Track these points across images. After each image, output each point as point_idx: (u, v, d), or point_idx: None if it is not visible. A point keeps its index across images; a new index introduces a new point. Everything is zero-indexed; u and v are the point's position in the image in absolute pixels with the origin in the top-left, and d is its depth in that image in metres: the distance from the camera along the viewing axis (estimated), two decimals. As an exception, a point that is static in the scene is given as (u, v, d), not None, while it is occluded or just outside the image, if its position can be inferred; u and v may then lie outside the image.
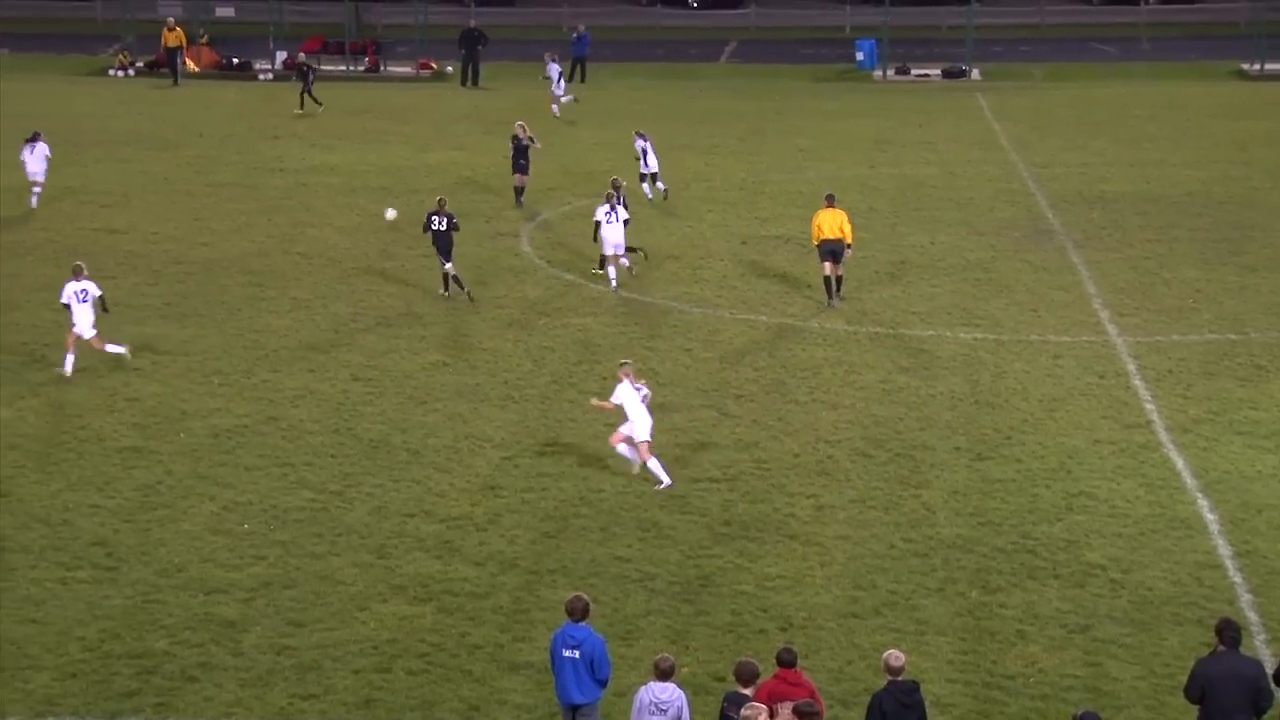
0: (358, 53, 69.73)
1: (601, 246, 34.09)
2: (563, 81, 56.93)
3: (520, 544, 22.12)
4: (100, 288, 28.72)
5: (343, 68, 68.57)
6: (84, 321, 28.17)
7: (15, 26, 79.58)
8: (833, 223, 32.61)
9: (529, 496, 23.63)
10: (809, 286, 34.11)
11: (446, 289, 33.27)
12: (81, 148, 47.33)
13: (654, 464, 23.97)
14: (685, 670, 18.12)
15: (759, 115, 56.50)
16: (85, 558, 21.56)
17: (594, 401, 24.97)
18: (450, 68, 66.94)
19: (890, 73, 66.72)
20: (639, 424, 23.90)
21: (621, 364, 24.74)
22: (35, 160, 40.70)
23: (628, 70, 68.23)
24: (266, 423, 26.40)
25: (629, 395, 23.90)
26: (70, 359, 28.22)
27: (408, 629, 19.80)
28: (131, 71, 67.02)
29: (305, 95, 56.08)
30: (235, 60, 67.86)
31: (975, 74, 66.42)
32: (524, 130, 41.25)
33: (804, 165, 47.32)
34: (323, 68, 68.61)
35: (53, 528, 22.43)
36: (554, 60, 57.68)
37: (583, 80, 64.88)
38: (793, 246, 37.20)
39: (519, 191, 41.28)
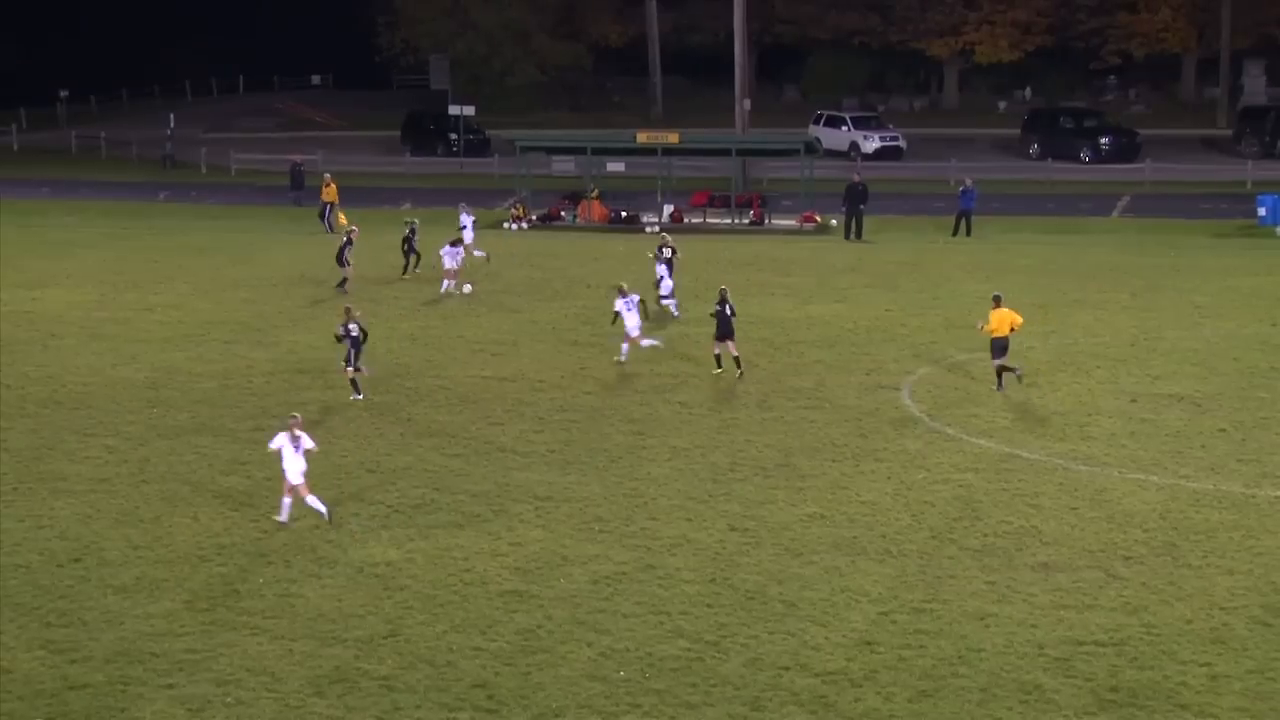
0: (743, 206, 70.91)
1: (626, 334, 40.67)
2: (471, 232, 56.74)
3: (896, 702, 21.58)
4: None
5: (728, 220, 69.76)
6: None
7: (420, 182, 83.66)
8: (1005, 320, 37.07)
9: (906, 654, 23.09)
10: (1202, 447, 32.88)
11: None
12: (475, 298, 48.96)
13: (288, 501, 28.18)
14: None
15: (1153, 271, 55.08)
16: (467, 699, 21.87)
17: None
18: (834, 221, 67.37)
19: (1294, 229, 64.53)
20: (292, 469, 28.01)
21: (291, 417, 28.66)
22: (450, 257, 50.73)
23: (1015, 224, 67.55)
24: (644, 570, 26.52)
25: (285, 444, 27.97)
26: None
27: (780, 786, 19.47)
28: (525, 225, 69.48)
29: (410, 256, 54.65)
30: (624, 213, 69.69)
31: (1393, 229, 63.59)
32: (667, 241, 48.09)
33: (1200, 322, 45.80)
34: (709, 220, 70.14)
35: (437, 669, 22.85)
36: (466, 211, 58.16)
37: (968, 234, 64.48)
38: (1186, 405, 35.93)
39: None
